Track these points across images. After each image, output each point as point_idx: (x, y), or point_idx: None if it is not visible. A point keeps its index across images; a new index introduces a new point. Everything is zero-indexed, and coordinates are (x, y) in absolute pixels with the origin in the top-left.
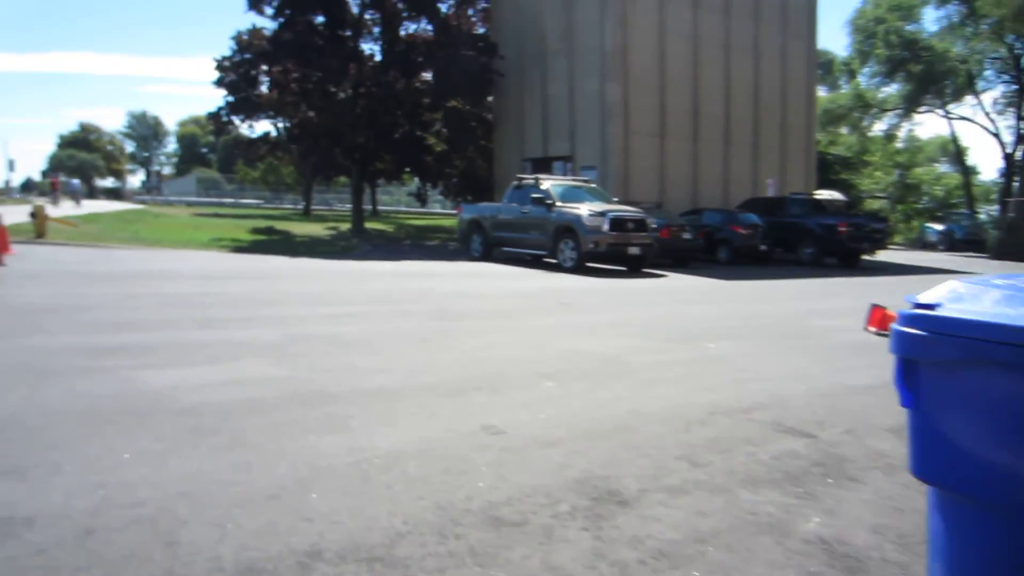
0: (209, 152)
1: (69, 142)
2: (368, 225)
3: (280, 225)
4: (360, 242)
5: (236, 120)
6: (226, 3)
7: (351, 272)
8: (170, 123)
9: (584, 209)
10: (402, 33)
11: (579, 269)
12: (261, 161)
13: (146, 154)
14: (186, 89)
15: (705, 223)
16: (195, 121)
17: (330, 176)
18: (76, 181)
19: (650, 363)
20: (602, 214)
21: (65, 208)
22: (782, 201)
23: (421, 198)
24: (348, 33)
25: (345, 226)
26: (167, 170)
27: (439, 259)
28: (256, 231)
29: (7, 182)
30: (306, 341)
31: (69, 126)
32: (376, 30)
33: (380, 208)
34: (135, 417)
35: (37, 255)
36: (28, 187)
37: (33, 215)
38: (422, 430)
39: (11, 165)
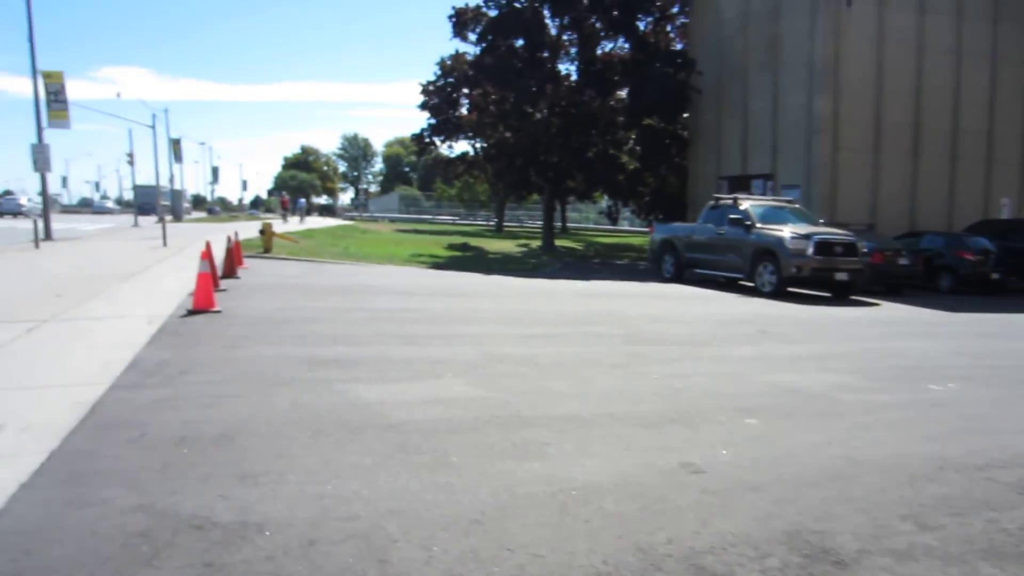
0: (411, 171)
1: (292, 163)
2: (558, 243)
3: (474, 242)
4: (550, 260)
5: (437, 141)
6: (433, 31)
7: (543, 291)
8: (378, 144)
9: (786, 231)
10: (598, 52)
11: (779, 294)
12: (458, 179)
13: (355, 173)
14: (393, 112)
15: (924, 247)
16: (400, 142)
17: (523, 194)
18: (302, 200)
19: (863, 404)
20: (806, 236)
21: (292, 224)
22: (1021, 224)
23: (612, 217)
24: (546, 55)
25: (535, 243)
26: (373, 188)
27: (629, 279)
28: (452, 247)
29: (240, 200)
30: (502, 362)
31: (292, 149)
32: (572, 51)
33: (569, 225)
34: (348, 431)
35: (264, 269)
36: (256, 204)
37: (262, 232)
38: (618, 463)
39: (243, 185)
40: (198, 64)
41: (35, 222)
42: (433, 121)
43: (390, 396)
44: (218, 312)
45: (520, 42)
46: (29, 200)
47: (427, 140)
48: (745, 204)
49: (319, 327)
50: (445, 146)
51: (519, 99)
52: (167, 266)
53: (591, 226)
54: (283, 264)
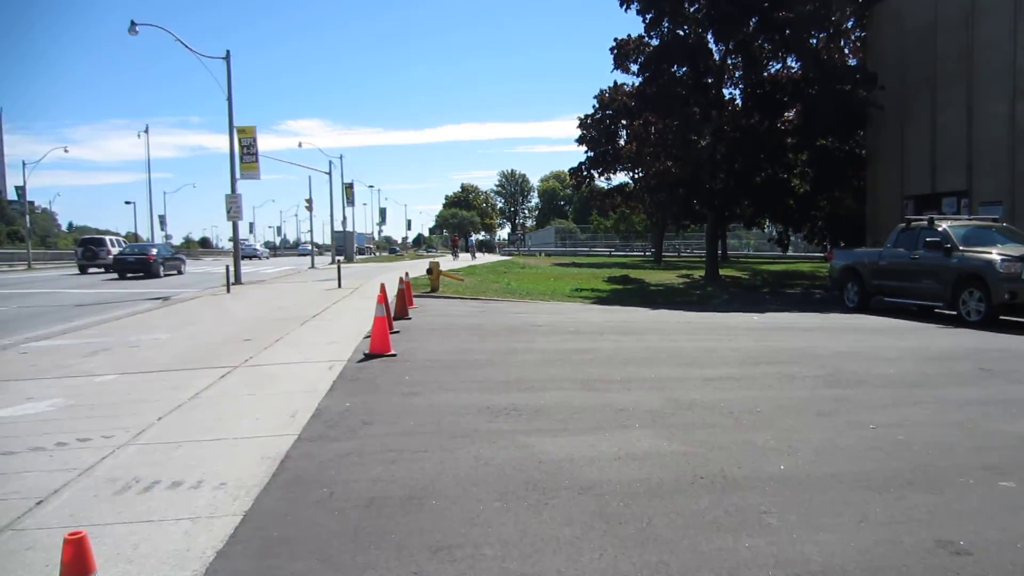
0: (566, 205)
1: (452, 202)
2: (720, 272)
3: (634, 274)
4: (716, 291)
5: (594, 173)
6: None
7: (716, 326)
8: (534, 179)
9: (995, 253)
10: (765, 73)
11: (988, 324)
12: (615, 211)
13: (512, 209)
14: (549, 148)
15: None
16: (555, 176)
17: (684, 224)
18: (472, 237)
19: None
20: (1020, 258)
21: (463, 261)
22: None
23: (782, 243)
24: (709, 80)
25: (697, 273)
26: (529, 223)
27: (807, 310)
28: (612, 280)
29: (404, 238)
30: (690, 409)
31: (453, 188)
32: (736, 74)
33: (729, 253)
34: (540, 493)
35: (433, 308)
36: (419, 242)
37: (429, 271)
38: (857, 538)
39: (408, 224)
40: (367, 113)
41: (227, 268)
42: (591, 154)
43: (577, 451)
44: (394, 356)
45: (683, 69)
46: (262, 246)
47: (585, 173)
48: (944, 225)
49: (493, 371)
50: (602, 178)
51: (683, 127)
52: (341, 308)
53: (752, 253)
54: (451, 303)
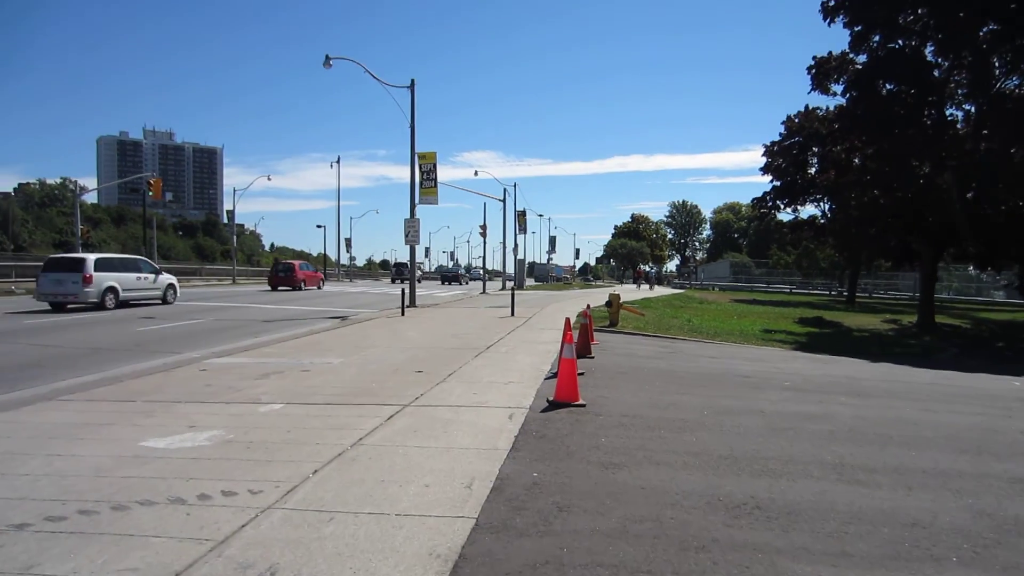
0: (740, 237)
1: (622, 232)
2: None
3: (827, 315)
4: (936, 341)
5: (780, 204)
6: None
7: (978, 393)
8: (706, 211)
9: None
10: (1004, 88)
11: None
12: (797, 246)
13: (683, 240)
14: (720, 179)
15: None
16: (729, 208)
17: (876, 262)
18: (653, 269)
19: None
20: None
21: (640, 292)
22: None
23: (1023, 289)
24: (932, 99)
25: (906, 319)
26: (699, 255)
27: None
28: (804, 322)
29: (573, 266)
30: (1017, 526)
31: (621, 218)
32: (960, 92)
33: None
34: None
35: (615, 346)
36: (584, 271)
37: (608, 304)
38: None
39: (576, 253)
40: (537, 145)
41: (403, 291)
42: (777, 183)
43: None
44: (582, 407)
45: (898, 87)
46: (468, 270)
47: (769, 204)
48: None
49: (708, 438)
50: (788, 210)
51: (899, 151)
52: (516, 339)
53: (954, 297)
54: (633, 341)
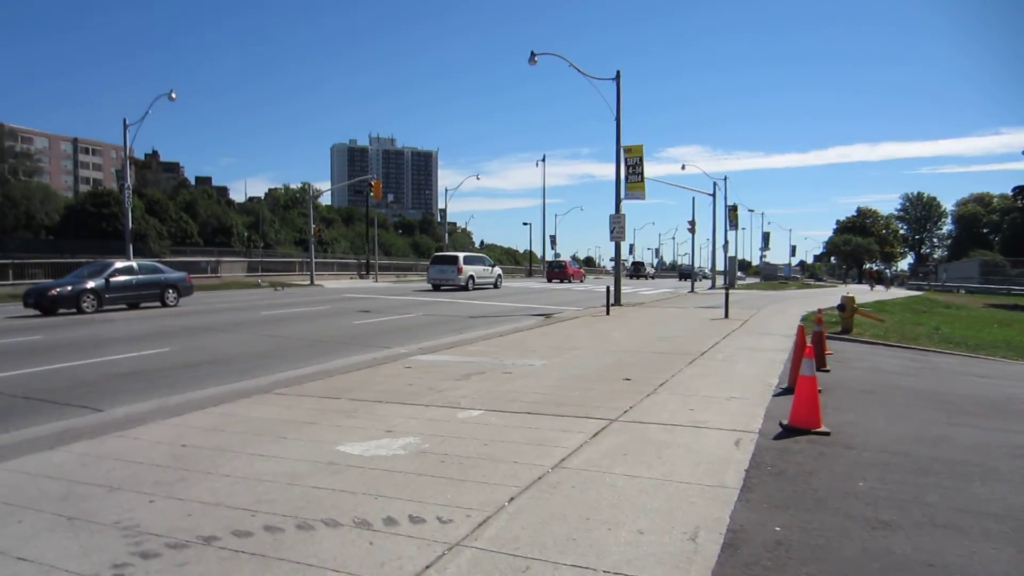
0: (990, 233)
1: (845, 227)
2: None
3: None
4: None
5: None
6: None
7: None
8: (946, 204)
9: None
10: None
11: None
12: None
13: (917, 236)
14: (962, 168)
15: None
16: (977, 200)
17: None
18: (888, 269)
19: None
20: None
21: (877, 294)
22: None
23: None
24: None
25: None
26: (938, 253)
27: None
28: None
29: (788, 264)
30: None
31: (841, 213)
32: None
33: None
34: None
35: (853, 358)
36: (803, 269)
37: (841, 307)
38: None
39: (792, 250)
40: (746, 138)
41: (607, 289)
42: None
43: None
44: (826, 435)
45: None
46: (700, 268)
47: None
48: None
49: (1009, 492)
50: None
51: None
52: (734, 345)
53: None
54: (873, 351)
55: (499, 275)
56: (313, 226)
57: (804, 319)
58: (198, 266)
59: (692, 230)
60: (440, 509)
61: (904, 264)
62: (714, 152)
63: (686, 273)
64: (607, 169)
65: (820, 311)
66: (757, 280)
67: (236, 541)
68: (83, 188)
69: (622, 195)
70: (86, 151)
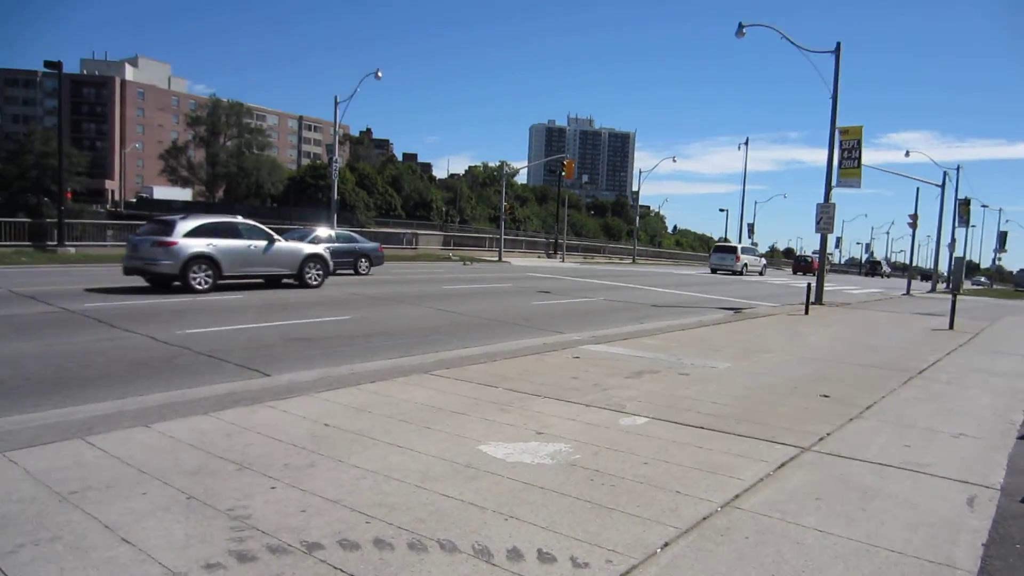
0: None
1: None
2: None
3: None
4: None
5: None
6: None
7: None
8: None
9: None
10: None
11: None
12: None
13: None
14: None
15: None
16: None
17: None
18: None
19: None
20: None
21: None
22: None
23: None
24: None
25: None
26: None
27: None
28: None
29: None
30: None
31: None
32: None
33: None
34: None
35: None
36: None
37: None
38: None
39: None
40: (986, 123)
41: (808, 285)
42: None
43: None
44: None
45: None
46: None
47: None
48: None
49: None
50: None
51: None
52: (960, 364)
53: None
54: None
55: (764, 264)
56: (504, 203)
57: None
58: (397, 237)
59: (914, 225)
60: (576, 546)
61: None
62: (943, 138)
63: (927, 275)
64: (816, 154)
65: None
66: (990, 284)
67: (339, 554)
68: (304, 162)
69: (834, 182)
70: (309, 128)
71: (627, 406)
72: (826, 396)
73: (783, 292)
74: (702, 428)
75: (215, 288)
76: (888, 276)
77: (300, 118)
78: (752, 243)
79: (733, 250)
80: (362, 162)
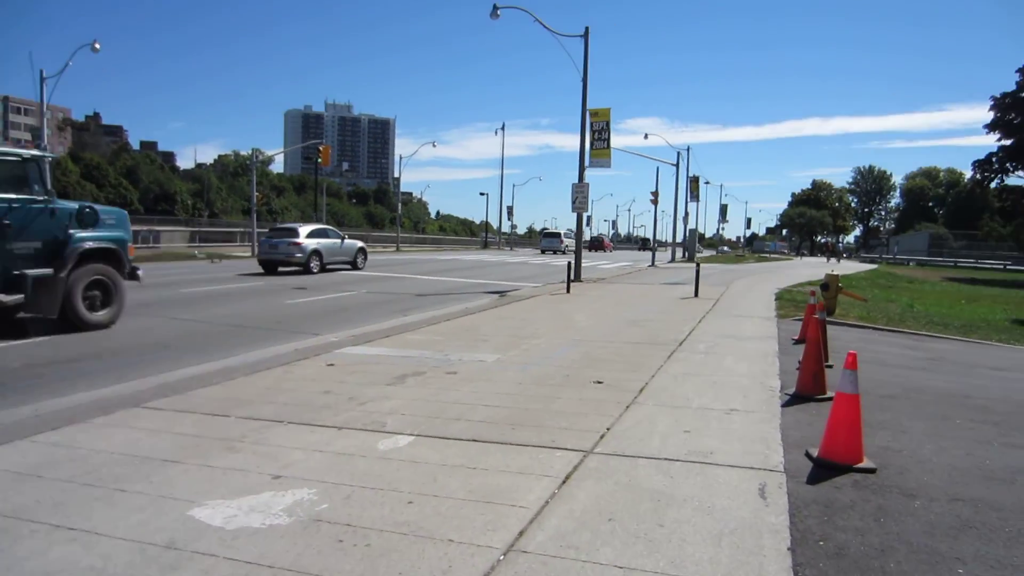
0: (936, 206)
1: (800, 200)
2: None
3: None
4: None
5: (1010, 167)
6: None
7: None
8: (895, 177)
9: None
10: None
11: None
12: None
13: (866, 209)
14: (910, 143)
15: None
16: (925, 174)
17: None
18: (839, 241)
19: None
20: None
21: (830, 267)
22: None
23: None
24: None
25: None
26: (885, 225)
27: None
28: None
29: (739, 237)
30: None
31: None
32: None
33: None
34: None
35: (848, 345)
36: (750, 242)
37: (825, 287)
38: None
39: (747, 223)
40: (704, 110)
41: (568, 264)
42: (1007, 143)
43: None
44: (870, 471)
45: None
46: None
47: (996, 166)
48: None
49: None
50: (1017, 173)
51: None
52: (713, 331)
53: None
54: (865, 337)
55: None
56: (256, 193)
57: (779, 297)
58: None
59: (655, 201)
60: None
61: (851, 237)
62: (672, 124)
63: (645, 244)
64: (566, 140)
65: (816, 295)
66: (714, 253)
67: None
68: None
69: (586, 163)
70: (18, 111)
71: (388, 423)
72: (600, 382)
73: (544, 272)
74: (475, 441)
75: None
76: (613, 250)
77: (5, 99)
78: (568, 229)
79: (557, 235)
80: (89, 151)
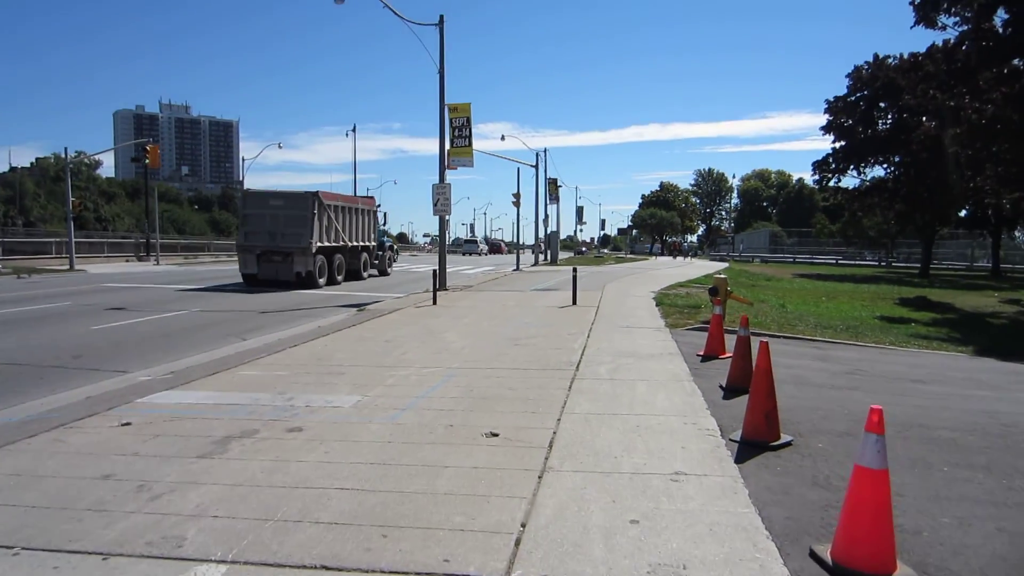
0: (769, 206)
1: (650, 201)
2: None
3: (928, 294)
4: None
5: (843, 167)
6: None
7: None
8: (732, 180)
9: None
10: None
11: None
12: (867, 211)
13: (708, 210)
14: (736, 148)
15: None
16: (758, 176)
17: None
18: (687, 241)
19: None
20: None
21: (687, 267)
22: None
23: None
24: None
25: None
26: (725, 224)
27: None
28: (907, 303)
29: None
30: None
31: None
32: None
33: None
34: None
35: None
36: (605, 243)
37: (714, 291)
38: None
39: (602, 224)
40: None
41: (434, 272)
42: (840, 144)
43: None
44: (786, 446)
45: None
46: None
47: (832, 166)
48: None
49: None
50: (852, 172)
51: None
52: (608, 349)
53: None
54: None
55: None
56: (73, 199)
57: (659, 303)
58: None
59: (517, 203)
60: None
61: (695, 237)
62: (523, 129)
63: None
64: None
65: (717, 299)
66: (572, 254)
67: None
68: None
69: (447, 162)
70: None
71: (189, 539)
72: (495, 434)
73: (405, 280)
74: (324, 570)
75: None
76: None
77: None
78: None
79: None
80: None
